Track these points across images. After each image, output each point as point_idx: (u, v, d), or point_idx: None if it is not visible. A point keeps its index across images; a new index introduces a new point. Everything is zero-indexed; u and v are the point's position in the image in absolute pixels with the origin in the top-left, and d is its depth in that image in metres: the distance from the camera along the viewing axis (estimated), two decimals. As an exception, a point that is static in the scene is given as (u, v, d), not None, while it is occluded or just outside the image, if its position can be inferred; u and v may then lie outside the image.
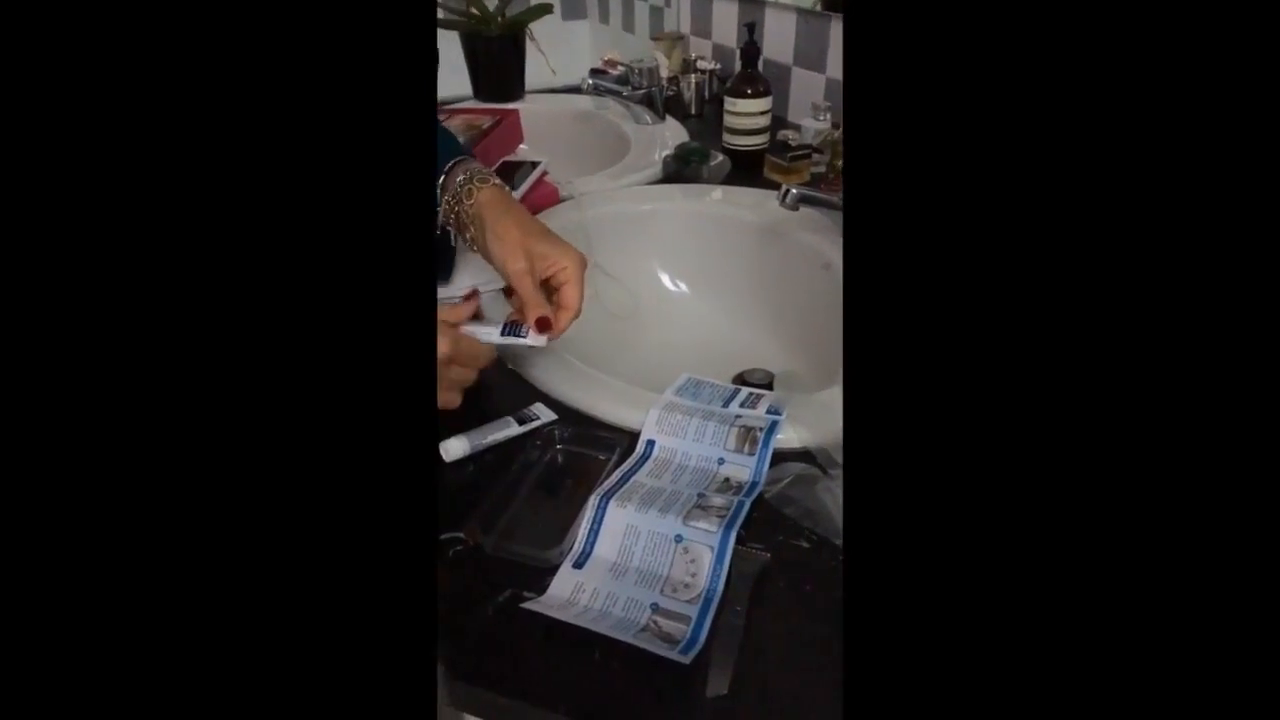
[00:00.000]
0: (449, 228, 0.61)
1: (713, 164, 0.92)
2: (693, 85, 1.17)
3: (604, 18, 1.79)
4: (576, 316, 0.56)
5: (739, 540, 0.43)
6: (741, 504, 0.45)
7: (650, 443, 0.51)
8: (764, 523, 0.45)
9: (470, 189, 0.58)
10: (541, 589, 0.42)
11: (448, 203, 0.60)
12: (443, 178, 0.60)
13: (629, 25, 1.65)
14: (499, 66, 1.20)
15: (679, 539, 0.43)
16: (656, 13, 1.47)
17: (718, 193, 0.89)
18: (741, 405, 0.53)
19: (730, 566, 0.42)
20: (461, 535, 0.45)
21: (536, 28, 1.22)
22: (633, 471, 0.49)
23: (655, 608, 0.40)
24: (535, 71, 1.26)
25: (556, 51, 1.31)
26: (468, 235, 0.59)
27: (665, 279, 0.87)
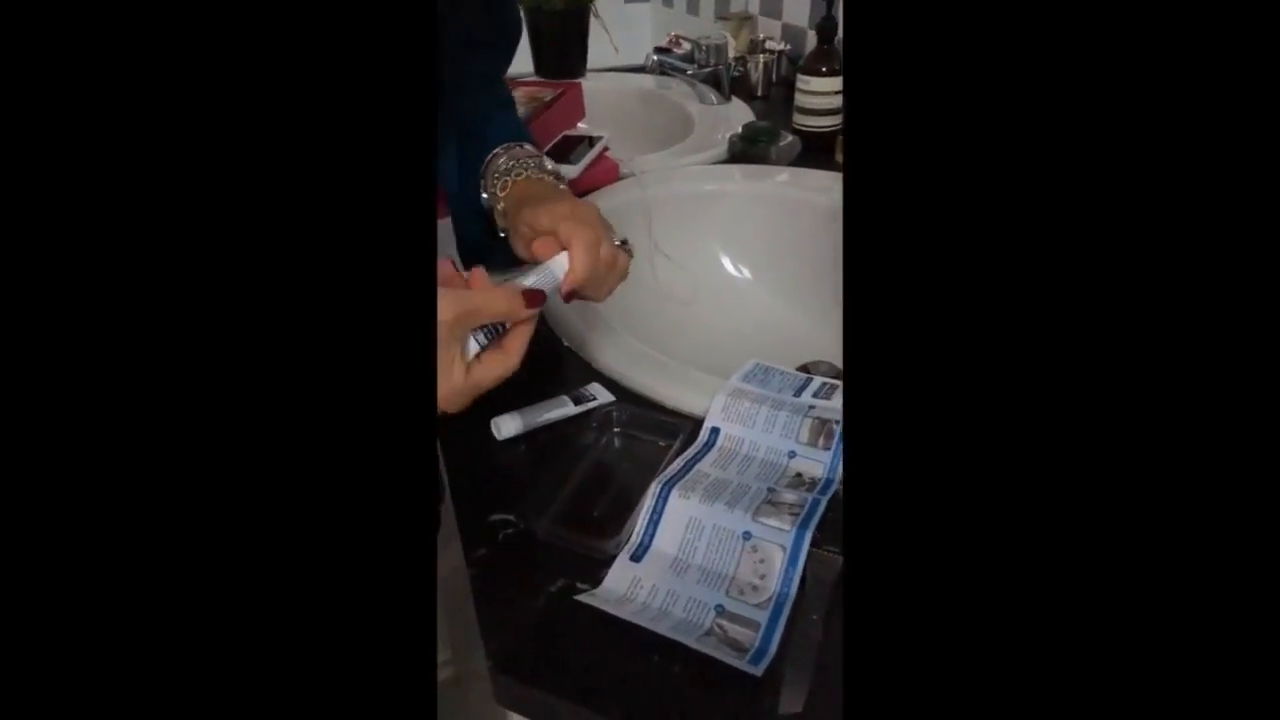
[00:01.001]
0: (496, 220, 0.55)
1: (782, 144, 0.87)
2: (760, 66, 1.13)
3: (668, 0, 1.75)
4: (608, 284, 0.47)
5: (813, 542, 0.39)
6: (817, 502, 0.41)
7: (715, 430, 0.47)
8: (842, 524, 0.41)
9: (506, 181, 0.53)
10: (596, 581, 0.39)
11: (491, 191, 0.55)
12: (486, 162, 0.55)
13: (693, 8, 1.60)
14: (561, 43, 1.17)
15: (747, 536, 0.39)
16: (723, -7, 1.42)
17: (784, 174, 0.85)
18: (815, 395, 0.49)
19: (804, 570, 0.38)
20: (512, 518, 0.42)
21: (599, 7, 1.18)
22: (696, 460, 0.45)
23: (720, 610, 0.37)
24: (597, 53, 1.22)
25: (618, 33, 1.27)
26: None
27: (727, 263, 0.83)
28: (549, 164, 0.56)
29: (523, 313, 0.41)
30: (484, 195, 0.56)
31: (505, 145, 0.56)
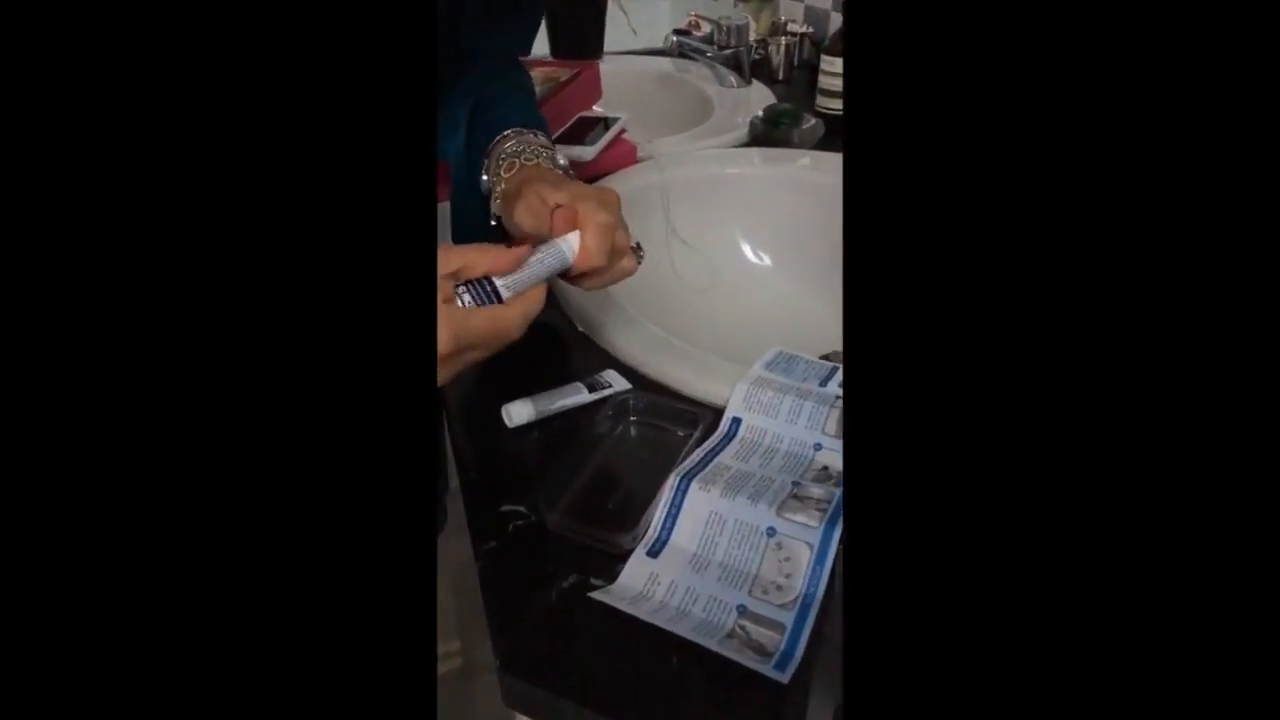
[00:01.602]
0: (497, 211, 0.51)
1: (804, 127, 0.85)
2: (782, 48, 1.10)
3: (686, -17, 1.71)
4: (608, 277, 0.44)
5: (842, 540, 0.36)
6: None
7: (736, 420, 0.45)
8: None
9: (514, 163, 0.48)
10: (610, 577, 0.37)
11: (495, 173, 0.50)
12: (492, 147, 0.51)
13: (713, -10, 1.57)
14: (578, 23, 1.14)
15: (771, 532, 0.37)
16: (744, -25, 1.39)
17: (806, 158, 0.82)
18: (841, 385, 0.47)
19: (833, 570, 0.35)
20: (523, 509, 0.40)
21: (618, -14, 1.15)
22: (716, 451, 0.43)
23: (743, 610, 0.35)
24: (616, 35, 1.20)
25: (637, 15, 1.24)
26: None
27: (747, 249, 0.81)
28: (562, 158, 0.51)
29: (503, 261, 0.39)
30: (484, 178, 0.51)
31: (516, 129, 0.51)
